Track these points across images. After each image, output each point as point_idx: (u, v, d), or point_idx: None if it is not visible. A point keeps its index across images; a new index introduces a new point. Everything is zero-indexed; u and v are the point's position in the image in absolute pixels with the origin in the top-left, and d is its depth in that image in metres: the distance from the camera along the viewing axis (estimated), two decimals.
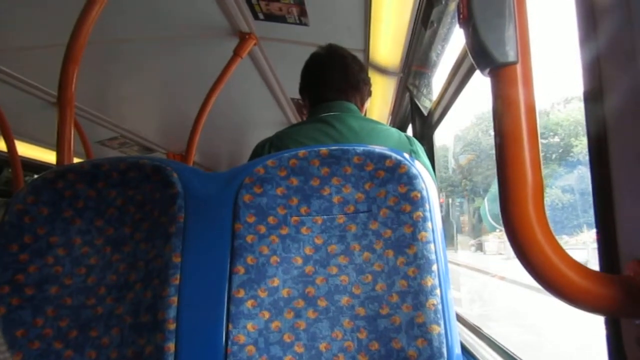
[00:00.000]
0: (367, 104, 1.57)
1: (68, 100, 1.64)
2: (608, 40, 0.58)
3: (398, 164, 0.93)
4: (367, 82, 1.51)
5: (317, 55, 1.49)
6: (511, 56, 0.55)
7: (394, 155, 0.94)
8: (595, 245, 0.62)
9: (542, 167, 0.56)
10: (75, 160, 1.59)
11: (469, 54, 0.61)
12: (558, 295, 0.54)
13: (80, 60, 1.66)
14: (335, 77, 1.43)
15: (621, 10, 0.55)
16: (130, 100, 3.30)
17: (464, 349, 1.67)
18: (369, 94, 1.54)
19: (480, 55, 0.56)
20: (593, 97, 0.61)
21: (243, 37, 2.35)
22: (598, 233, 0.60)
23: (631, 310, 0.52)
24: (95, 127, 3.52)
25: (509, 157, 0.55)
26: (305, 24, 2.22)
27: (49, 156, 3.89)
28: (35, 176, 1.02)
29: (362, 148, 0.95)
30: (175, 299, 0.89)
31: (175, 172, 0.98)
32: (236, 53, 2.39)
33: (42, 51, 2.32)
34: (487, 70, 0.57)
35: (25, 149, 3.65)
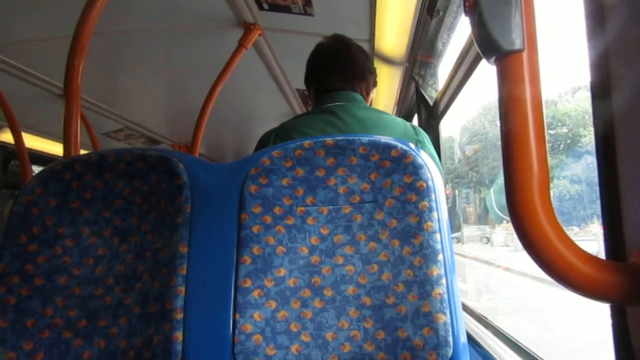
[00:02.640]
0: (373, 94, 1.57)
1: (74, 92, 1.64)
2: (616, 35, 0.57)
3: (404, 154, 0.92)
4: (372, 72, 1.50)
5: (322, 45, 1.48)
6: (517, 44, 0.54)
7: (399, 145, 0.93)
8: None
9: (548, 155, 0.56)
10: (82, 151, 1.60)
11: (475, 42, 0.60)
12: (564, 284, 0.54)
13: (86, 52, 1.66)
14: (340, 66, 1.43)
15: (629, 6, 0.54)
16: (136, 91, 3.31)
17: (470, 338, 1.67)
18: (375, 83, 1.54)
19: (486, 43, 0.56)
20: (600, 88, 0.60)
21: (248, 28, 2.35)
22: (604, 221, 0.60)
23: (637, 297, 0.52)
24: (100, 118, 3.53)
25: (514, 145, 0.55)
26: (310, 14, 2.21)
27: (56, 148, 3.91)
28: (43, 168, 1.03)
29: (367, 138, 0.94)
30: (182, 288, 0.90)
31: (181, 163, 0.99)
32: (241, 44, 2.38)
33: (48, 43, 2.32)
34: (493, 58, 0.57)
35: (32, 141, 3.67)
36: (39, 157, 3.90)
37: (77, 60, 1.64)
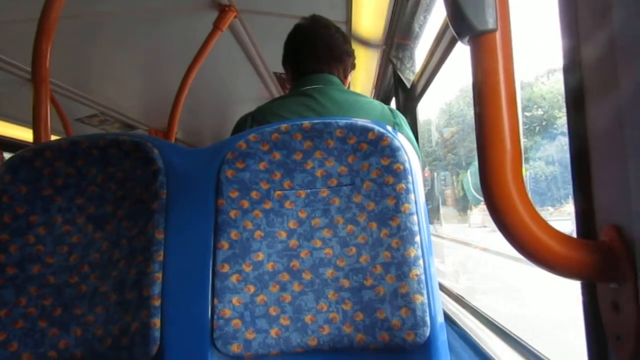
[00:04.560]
0: (351, 77, 1.56)
1: (42, 76, 1.60)
2: (588, 17, 0.58)
3: (381, 137, 0.93)
4: (350, 54, 1.49)
5: (300, 26, 1.47)
6: (490, 24, 0.54)
7: (376, 127, 0.93)
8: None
9: (521, 135, 0.56)
10: (54, 138, 1.56)
11: (449, 23, 0.60)
12: (536, 262, 0.55)
13: (56, 35, 1.61)
14: (318, 48, 1.42)
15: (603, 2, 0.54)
16: (110, 75, 3.23)
17: (448, 317, 1.70)
18: (353, 66, 1.53)
19: (460, 23, 0.56)
20: (571, 67, 0.61)
21: (223, 10, 2.30)
22: (575, 201, 0.61)
23: (607, 274, 0.53)
24: (73, 104, 3.44)
25: (487, 125, 0.56)
26: None
27: (27, 134, 3.81)
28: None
29: (344, 121, 0.94)
30: (159, 275, 0.89)
31: (155, 149, 0.97)
32: (216, 26, 2.34)
33: (15, 26, 2.24)
34: (467, 38, 0.57)
35: (3, 128, 3.57)
36: (10, 144, 3.80)
37: (45, 44, 1.58)
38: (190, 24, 2.44)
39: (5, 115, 3.53)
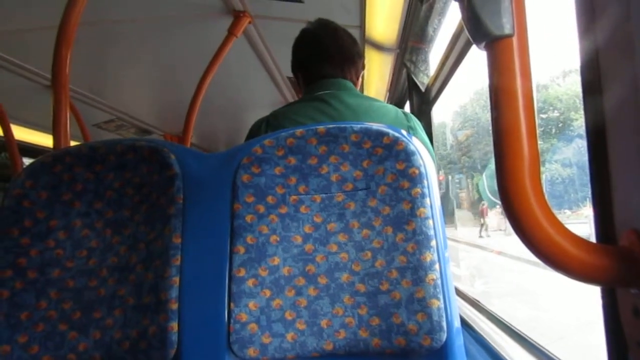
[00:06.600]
0: (362, 78, 1.55)
1: (62, 83, 1.62)
2: (604, 11, 0.57)
3: (396, 141, 0.93)
4: (361, 55, 1.48)
5: (307, 30, 1.45)
6: (507, 29, 0.54)
7: (391, 132, 0.94)
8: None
9: (538, 139, 0.56)
10: (72, 143, 1.58)
11: (465, 28, 0.60)
12: (554, 267, 0.54)
13: (74, 42, 1.64)
14: (329, 50, 1.40)
15: (620, 4, 0.54)
16: (126, 81, 3.28)
17: (464, 322, 1.69)
18: (363, 66, 1.52)
19: (476, 28, 0.56)
20: (589, 67, 0.61)
21: (237, 16, 2.32)
22: (594, 205, 0.61)
23: (627, 279, 0.52)
24: (90, 109, 3.49)
25: (505, 130, 0.55)
26: (300, 1, 2.19)
27: (46, 140, 3.88)
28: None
29: (359, 126, 0.94)
30: (176, 279, 0.90)
31: (172, 154, 0.99)
32: (231, 32, 2.36)
33: (34, 33, 2.29)
34: (483, 43, 0.57)
35: (22, 133, 3.63)
36: (29, 149, 3.87)
37: (64, 51, 1.61)
38: (205, 30, 2.46)
39: (25, 122, 3.60)
